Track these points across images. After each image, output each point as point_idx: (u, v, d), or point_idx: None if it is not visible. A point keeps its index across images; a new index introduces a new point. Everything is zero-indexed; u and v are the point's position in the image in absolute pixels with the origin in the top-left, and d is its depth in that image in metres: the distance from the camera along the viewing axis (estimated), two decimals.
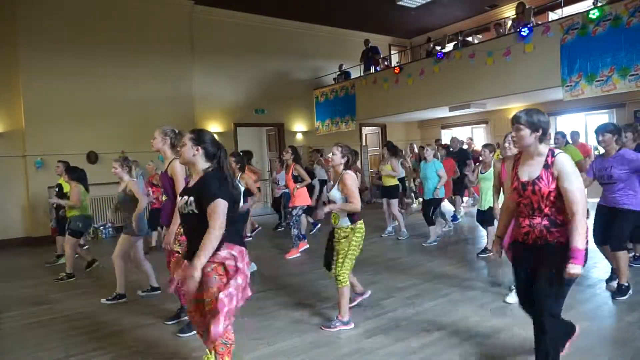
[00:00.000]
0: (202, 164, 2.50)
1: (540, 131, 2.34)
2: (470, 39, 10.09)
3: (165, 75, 9.65)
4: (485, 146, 5.48)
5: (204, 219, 2.33)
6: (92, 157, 8.76)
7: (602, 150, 4.20)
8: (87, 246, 5.78)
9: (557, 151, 2.37)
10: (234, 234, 2.43)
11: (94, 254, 6.18)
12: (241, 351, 3.04)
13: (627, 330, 3.20)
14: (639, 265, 4.77)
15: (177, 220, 3.40)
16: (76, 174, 5.62)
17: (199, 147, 2.48)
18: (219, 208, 2.30)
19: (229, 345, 2.49)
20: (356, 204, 3.45)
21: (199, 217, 2.36)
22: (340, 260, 3.48)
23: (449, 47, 9.91)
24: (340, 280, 3.47)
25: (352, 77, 11.70)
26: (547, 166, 2.34)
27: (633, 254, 4.85)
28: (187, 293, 2.44)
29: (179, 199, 2.52)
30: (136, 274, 4.84)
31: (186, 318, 3.74)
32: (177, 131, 3.59)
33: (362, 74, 11.38)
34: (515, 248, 2.56)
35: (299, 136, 12.05)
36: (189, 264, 2.34)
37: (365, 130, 13.83)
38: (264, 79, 11.39)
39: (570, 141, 7.17)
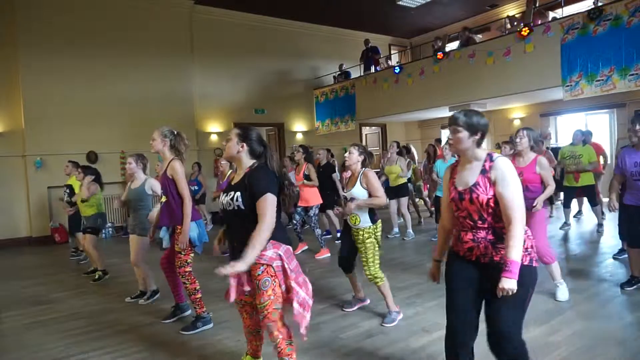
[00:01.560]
0: (247, 161, 2.44)
1: (479, 134, 2.13)
2: (479, 36, 10.06)
3: (166, 75, 9.65)
4: (505, 143, 5.45)
5: (250, 215, 2.29)
6: (92, 157, 8.77)
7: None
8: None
9: (495, 155, 2.17)
10: (281, 231, 2.37)
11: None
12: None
13: (627, 330, 3.20)
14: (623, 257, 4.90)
15: (187, 220, 3.39)
16: (90, 172, 5.65)
17: (244, 144, 2.42)
18: (269, 202, 2.26)
19: (292, 344, 2.41)
20: (382, 198, 3.50)
21: (245, 213, 2.31)
22: (371, 261, 3.51)
23: (454, 45, 9.88)
24: (377, 279, 3.51)
25: (352, 77, 11.70)
26: (484, 171, 2.12)
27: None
28: (234, 294, 2.41)
29: (222, 196, 2.43)
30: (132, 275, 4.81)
31: (185, 314, 3.75)
32: (175, 132, 3.59)
33: (362, 74, 11.38)
34: (453, 262, 2.26)
35: (299, 136, 12.05)
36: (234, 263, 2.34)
37: (365, 130, 13.83)
38: (264, 79, 11.40)
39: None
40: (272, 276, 2.28)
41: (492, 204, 2.09)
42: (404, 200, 7.09)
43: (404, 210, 7.06)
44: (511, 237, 1.99)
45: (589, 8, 6.93)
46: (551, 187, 3.73)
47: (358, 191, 3.55)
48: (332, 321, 3.62)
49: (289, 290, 2.32)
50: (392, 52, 13.36)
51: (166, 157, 3.54)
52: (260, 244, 2.21)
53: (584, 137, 6.59)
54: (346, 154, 3.71)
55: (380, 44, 12.50)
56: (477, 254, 2.14)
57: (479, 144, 2.15)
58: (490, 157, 2.14)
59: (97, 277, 5.34)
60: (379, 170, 7.49)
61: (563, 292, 3.83)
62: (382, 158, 8.04)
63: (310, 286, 2.43)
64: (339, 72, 12.05)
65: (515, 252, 1.97)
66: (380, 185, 3.59)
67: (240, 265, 2.16)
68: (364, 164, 3.65)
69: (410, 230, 7.05)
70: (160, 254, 3.82)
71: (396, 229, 7.27)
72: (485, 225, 2.12)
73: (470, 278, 2.16)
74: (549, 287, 3.94)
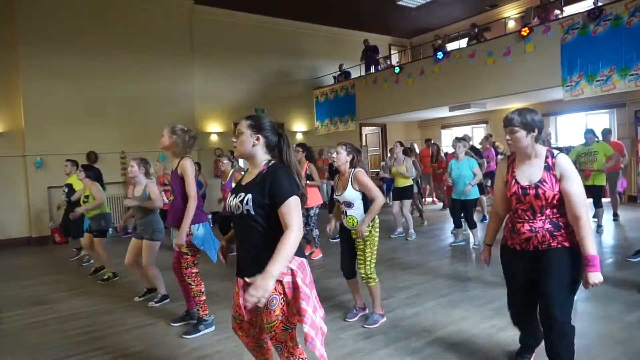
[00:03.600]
0: (262, 156, 2.06)
1: (536, 131, 2.22)
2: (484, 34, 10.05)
3: (166, 75, 9.65)
4: None
5: (260, 222, 1.95)
6: (92, 157, 8.76)
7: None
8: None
9: (556, 152, 2.26)
10: None
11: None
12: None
13: (627, 330, 3.19)
14: (637, 259, 4.82)
15: (188, 220, 3.32)
16: (92, 173, 5.56)
17: (260, 136, 2.04)
18: (294, 206, 1.91)
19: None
20: (379, 198, 3.34)
21: (254, 219, 1.95)
22: (368, 259, 3.45)
23: (454, 45, 9.87)
24: (371, 279, 3.46)
25: (352, 77, 11.70)
26: (548, 168, 2.22)
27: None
28: (244, 309, 2.01)
29: (230, 197, 2.07)
30: (136, 276, 4.81)
31: (194, 322, 3.71)
32: (185, 129, 3.54)
33: (362, 74, 11.39)
34: (510, 257, 2.41)
35: (299, 136, 12.06)
36: (248, 280, 1.86)
37: (365, 130, 13.83)
38: (264, 79, 11.40)
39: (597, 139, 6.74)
40: (280, 294, 1.91)
41: (556, 200, 2.22)
42: (407, 202, 7.06)
43: (405, 212, 7.03)
44: (584, 235, 2.15)
45: (589, 8, 6.93)
46: None
47: (350, 194, 3.43)
48: (332, 321, 3.61)
49: (299, 312, 1.93)
50: (392, 52, 13.36)
51: (177, 155, 3.49)
52: (285, 259, 1.82)
53: (595, 137, 6.48)
54: (334, 155, 3.54)
55: (380, 44, 12.50)
56: (535, 243, 2.27)
57: (537, 139, 2.25)
58: (551, 154, 2.25)
59: (106, 277, 5.35)
60: (379, 170, 7.45)
61: None
62: (382, 158, 8.02)
63: (322, 310, 2.07)
64: (339, 72, 12.06)
65: (592, 248, 2.14)
66: (373, 183, 3.43)
67: (270, 284, 1.76)
68: (352, 164, 3.49)
69: (412, 230, 7.05)
70: (167, 256, 3.79)
71: (400, 229, 7.26)
72: (544, 217, 2.25)
73: (524, 267, 2.35)
74: None
